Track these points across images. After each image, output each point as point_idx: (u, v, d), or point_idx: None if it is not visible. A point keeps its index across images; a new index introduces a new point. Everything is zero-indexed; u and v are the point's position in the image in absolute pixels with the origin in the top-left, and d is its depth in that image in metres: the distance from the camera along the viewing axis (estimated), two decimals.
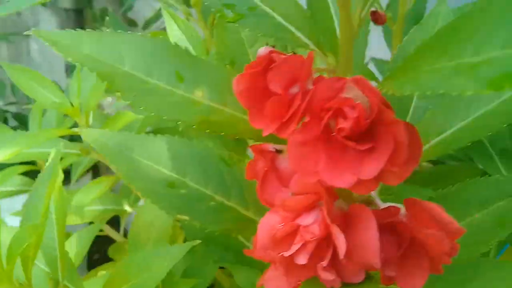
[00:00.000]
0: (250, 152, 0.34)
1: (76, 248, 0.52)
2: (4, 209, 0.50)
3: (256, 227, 0.27)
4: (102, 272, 0.55)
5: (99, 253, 0.90)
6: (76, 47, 0.27)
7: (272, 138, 0.27)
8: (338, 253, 0.25)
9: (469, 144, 0.48)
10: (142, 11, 1.53)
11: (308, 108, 0.24)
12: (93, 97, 0.51)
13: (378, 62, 0.67)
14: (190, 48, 0.46)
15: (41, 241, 0.33)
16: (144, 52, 0.28)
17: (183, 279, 0.44)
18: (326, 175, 0.24)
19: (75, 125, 0.58)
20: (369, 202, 0.32)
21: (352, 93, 0.24)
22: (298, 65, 0.24)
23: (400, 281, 0.27)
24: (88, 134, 0.36)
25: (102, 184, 0.52)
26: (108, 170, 0.95)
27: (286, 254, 0.27)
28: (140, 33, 0.28)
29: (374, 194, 0.31)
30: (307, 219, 0.27)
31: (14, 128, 1.14)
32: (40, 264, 0.40)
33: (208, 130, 0.27)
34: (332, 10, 0.31)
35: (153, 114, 0.26)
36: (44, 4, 1.61)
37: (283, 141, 0.27)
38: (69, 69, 1.59)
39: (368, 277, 0.28)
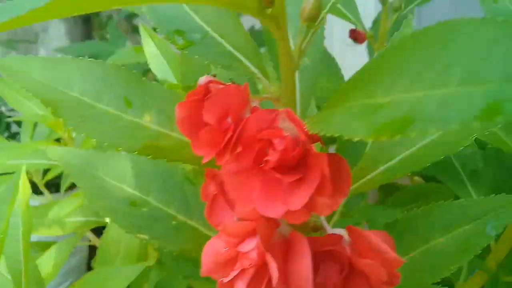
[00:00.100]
0: None
1: (54, 259, 0.53)
2: None
3: None
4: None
5: None
6: (27, 73, 0.28)
7: (214, 164, 0.27)
8: None
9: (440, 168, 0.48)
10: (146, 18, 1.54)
11: (241, 138, 0.24)
12: None
13: None
14: (165, 64, 0.47)
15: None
16: (94, 77, 0.28)
17: None
18: (258, 204, 0.25)
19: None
20: (317, 228, 0.32)
21: (284, 125, 0.24)
22: (233, 95, 0.25)
23: None
24: (53, 152, 0.37)
25: (81, 196, 0.53)
26: None
27: (225, 280, 0.27)
28: (90, 59, 0.28)
29: (323, 219, 0.32)
30: (247, 246, 0.28)
31: (15, 134, 1.16)
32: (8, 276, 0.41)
33: (151, 156, 0.28)
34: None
35: (94, 140, 0.26)
36: None
37: None
38: None
39: None
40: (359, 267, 0.28)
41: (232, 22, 0.30)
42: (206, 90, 0.25)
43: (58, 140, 0.64)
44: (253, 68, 0.29)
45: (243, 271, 0.27)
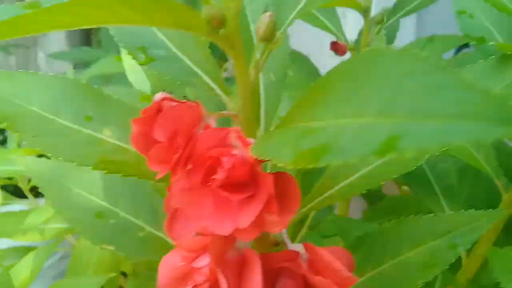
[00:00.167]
0: None
1: (32, 264, 0.53)
2: None
3: None
4: None
5: None
6: None
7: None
8: None
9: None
10: None
11: (191, 156, 0.25)
12: None
13: None
14: (143, 74, 0.48)
15: None
16: (53, 92, 0.29)
17: None
18: (209, 221, 0.25)
19: None
20: (278, 243, 0.32)
21: (236, 143, 0.24)
22: (184, 113, 0.25)
23: None
24: (23, 161, 0.37)
25: None
26: None
27: None
28: (52, 73, 0.29)
29: (284, 234, 0.32)
30: (201, 261, 0.28)
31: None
32: None
33: (106, 171, 0.28)
34: None
35: (49, 155, 0.27)
36: None
37: None
38: None
39: None
40: (313, 284, 0.28)
41: (194, 39, 0.30)
42: (159, 108, 0.25)
43: None
44: (212, 84, 0.29)
45: (196, 287, 0.27)
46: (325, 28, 0.56)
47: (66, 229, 0.59)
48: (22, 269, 0.51)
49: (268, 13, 0.26)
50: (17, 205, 0.73)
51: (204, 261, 0.28)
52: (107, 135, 0.29)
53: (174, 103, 0.26)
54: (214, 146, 0.24)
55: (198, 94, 0.35)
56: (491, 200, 0.45)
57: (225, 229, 0.24)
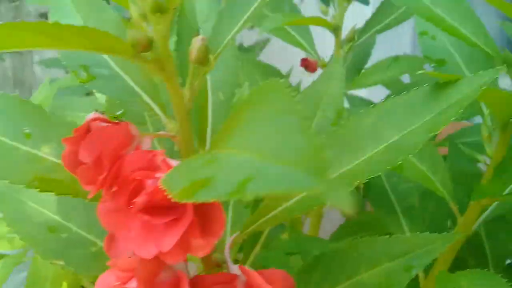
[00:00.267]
0: None
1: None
2: None
3: None
4: None
5: None
6: None
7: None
8: None
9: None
10: None
11: (117, 177, 0.25)
12: None
13: None
14: None
15: None
16: None
17: None
18: (133, 244, 0.25)
19: None
20: (220, 263, 0.32)
21: (161, 166, 0.24)
22: (111, 134, 0.25)
23: None
24: None
25: None
26: None
27: None
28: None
29: (227, 255, 0.32)
30: (133, 283, 0.28)
31: None
32: None
33: (39, 189, 0.28)
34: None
35: None
36: None
37: None
38: None
39: None
40: None
41: None
42: (88, 128, 0.25)
43: None
44: (152, 104, 0.29)
45: None
46: (297, 44, 0.56)
47: None
48: None
49: (200, 37, 0.26)
50: None
51: (135, 283, 0.28)
52: (46, 152, 0.29)
53: (104, 124, 0.26)
54: (141, 168, 0.25)
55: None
56: (452, 222, 0.45)
57: (149, 252, 0.24)
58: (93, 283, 0.45)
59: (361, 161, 0.28)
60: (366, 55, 0.61)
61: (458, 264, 0.49)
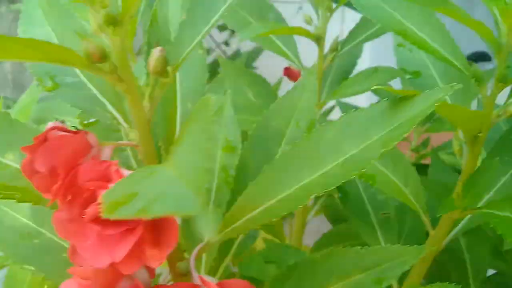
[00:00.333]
0: None
1: None
2: None
3: None
4: None
5: None
6: None
7: None
8: None
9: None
10: None
11: (72, 186, 0.25)
12: None
13: None
14: None
15: None
16: None
17: None
18: (88, 253, 0.25)
19: None
20: (185, 273, 0.33)
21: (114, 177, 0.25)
22: (67, 144, 0.25)
23: None
24: None
25: None
26: None
27: None
28: None
29: (191, 264, 0.32)
30: None
31: None
32: None
33: (2, 196, 0.28)
34: None
35: None
36: None
37: None
38: None
39: None
40: None
41: None
42: (45, 137, 0.26)
43: None
44: (115, 113, 0.29)
45: None
46: (281, 53, 0.56)
47: None
48: None
49: (158, 48, 0.26)
50: None
51: None
52: (10, 159, 0.30)
53: (62, 133, 0.26)
54: (94, 178, 0.25)
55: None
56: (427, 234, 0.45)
57: (102, 262, 0.25)
58: None
59: (319, 174, 0.28)
60: (352, 64, 0.61)
61: (440, 276, 0.49)
